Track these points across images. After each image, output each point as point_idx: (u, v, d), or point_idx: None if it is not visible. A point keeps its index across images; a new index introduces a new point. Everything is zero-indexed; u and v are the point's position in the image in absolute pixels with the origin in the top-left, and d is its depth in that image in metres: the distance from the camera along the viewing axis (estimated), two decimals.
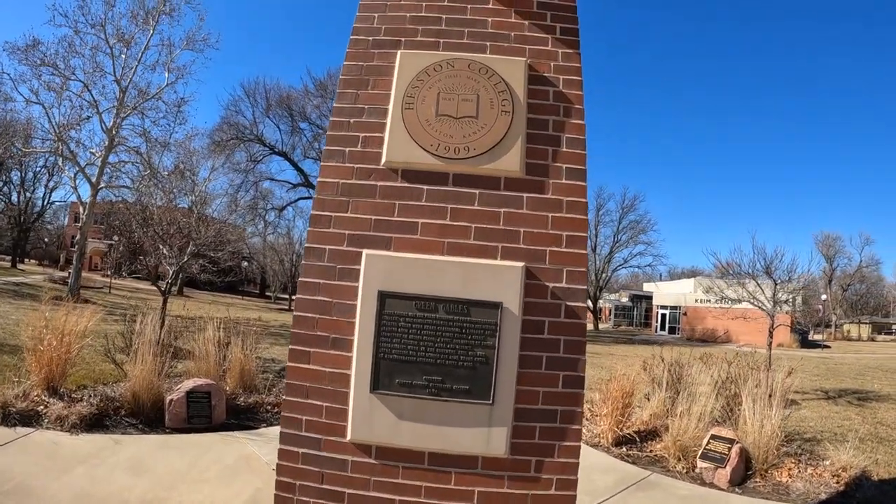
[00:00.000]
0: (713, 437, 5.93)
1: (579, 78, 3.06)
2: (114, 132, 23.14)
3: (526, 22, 3.16)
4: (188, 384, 6.27)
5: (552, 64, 3.09)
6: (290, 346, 3.01)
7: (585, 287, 2.88)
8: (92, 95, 22.26)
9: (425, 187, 2.94)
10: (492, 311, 2.77)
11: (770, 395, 5.95)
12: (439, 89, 3.00)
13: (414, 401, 2.78)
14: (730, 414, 6.81)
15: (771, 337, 12.36)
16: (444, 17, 3.18)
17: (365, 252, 2.91)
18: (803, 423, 8.70)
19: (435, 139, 2.93)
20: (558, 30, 3.15)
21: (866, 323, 47.68)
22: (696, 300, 45.51)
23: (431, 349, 2.79)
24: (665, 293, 55.09)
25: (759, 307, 13.36)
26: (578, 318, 2.86)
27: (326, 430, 2.88)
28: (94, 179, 23.96)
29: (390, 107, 3.04)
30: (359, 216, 2.98)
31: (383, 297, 2.84)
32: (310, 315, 2.97)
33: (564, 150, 2.97)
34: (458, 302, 2.79)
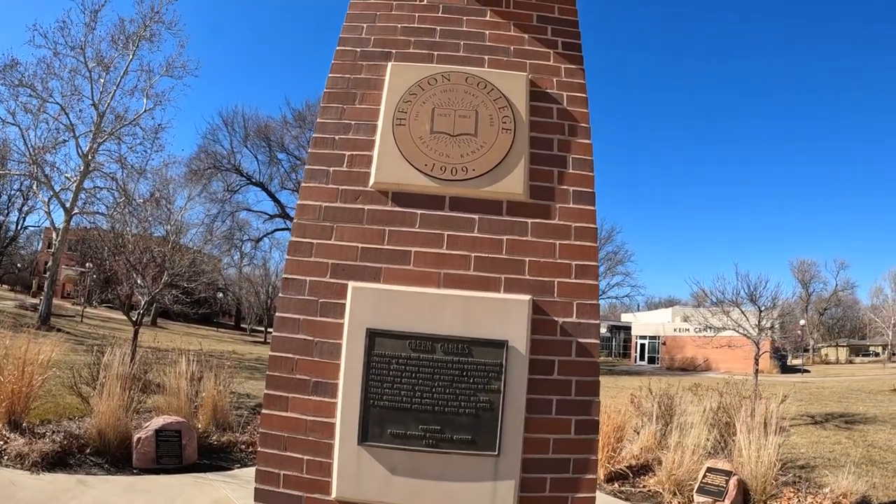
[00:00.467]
0: (709, 469, 5.66)
1: (584, 95, 2.82)
2: (90, 157, 22.49)
3: (526, 35, 2.92)
4: (158, 421, 5.81)
5: (555, 80, 2.84)
6: (265, 391, 2.62)
7: (598, 322, 2.57)
8: (69, 119, 21.68)
9: (419, 212, 2.63)
10: (496, 350, 2.44)
11: (765, 424, 5.70)
12: (434, 104, 2.71)
13: (408, 453, 2.41)
14: (724, 445, 6.55)
15: (757, 364, 12.22)
16: (438, 28, 2.92)
17: (351, 284, 2.57)
18: (795, 450, 8.48)
19: (430, 158, 2.63)
20: (560, 44, 2.91)
21: (844, 346, 47.96)
22: (675, 329, 45.56)
23: (428, 394, 2.44)
24: (643, 323, 55.21)
25: (745, 334, 13.24)
26: (591, 355, 2.54)
27: (308, 487, 2.48)
28: (68, 205, 23.15)
29: (380, 123, 2.74)
30: (344, 243, 2.64)
31: (372, 335, 2.49)
32: (288, 355, 2.60)
33: (571, 171, 2.70)
34: (458, 341, 2.45)
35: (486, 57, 2.87)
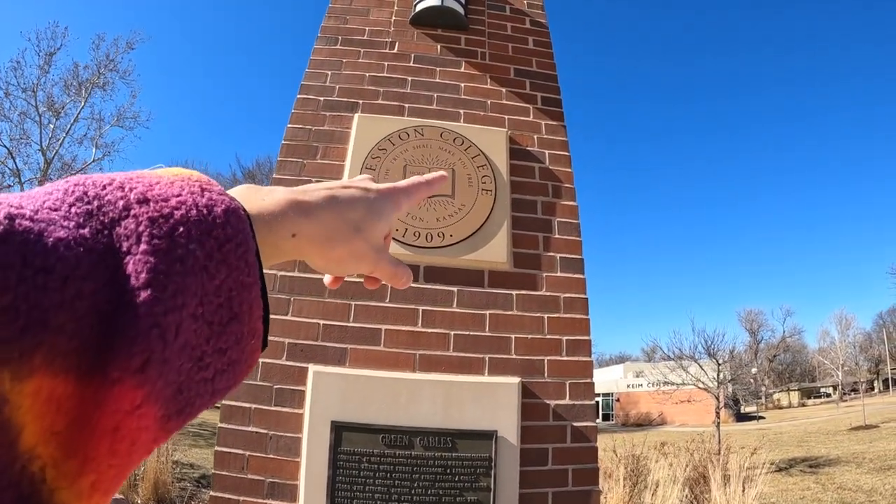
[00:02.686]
0: None
1: (567, 153, 2.54)
2: None
3: (503, 89, 2.63)
4: None
5: (535, 137, 2.55)
6: (211, 493, 2.09)
7: (593, 402, 2.22)
8: (15, 163, 19.94)
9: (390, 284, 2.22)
10: (484, 442, 2.03)
11: (744, 479, 5.46)
12: (406, 161, 2.35)
13: None
14: (697, 502, 6.23)
15: (718, 417, 12.05)
16: (409, 78, 2.59)
17: (312, 368, 2.11)
18: (765, 500, 8.14)
19: (402, 223, 2.25)
20: (539, 99, 2.64)
21: (795, 390, 47.28)
22: (628, 385, 44.65)
23: (407, 497, 1.98)
24: (596, 381, 54.05)
25: (705, 388, 13.14)
26: (588, 440, 2.17)
27: None
28: None
29: (344, 179, 2.34)
30: (303, 319, 2.19)
31: (338, 428, 2.03)
32: (237, 451, 2.09)
33: (557, 236, 2.38)
34: (439, 433, 2.02)
35: (462, 111, 2.55)
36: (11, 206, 0.23)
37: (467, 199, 2.31)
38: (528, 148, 2.51)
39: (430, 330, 2.17)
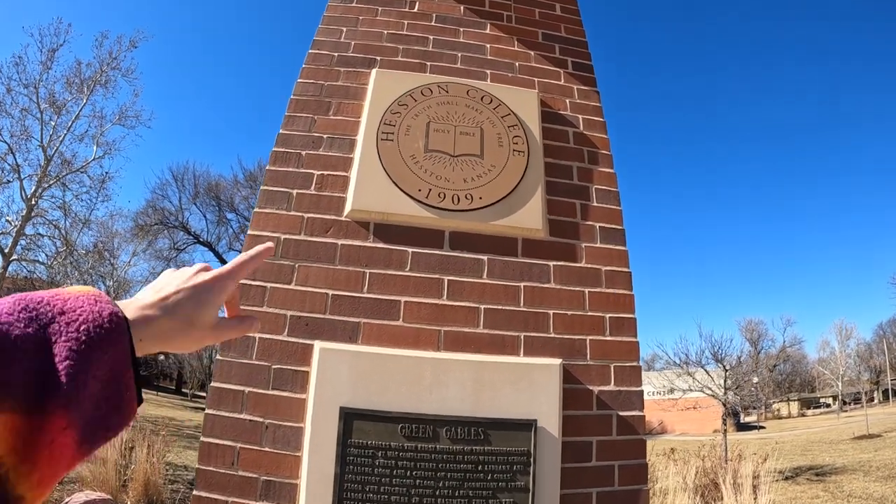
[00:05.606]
0: None
1: (602, 119, 2.18)
2: (33, 202, 19.89)
3: (532, 52, 2.29)
4: (78, 498, 4.43)
5: (568, 101, 2.19)
6: (194, 492, 1.64)
7: (641, 388, 1.81)
8: (15, 159, 19.11)
9: (410, 249, 1.81)
10: (521, 433, 1.60)
11: (754, 487, 5.02)
12: (429, 118, 1.97)
13: None
14: None
15: (725, 424, 11.46)
16: (431, 37, 2.23)
17: (318, 345, 1.68)
18: None
19: (424, 182, 1.85)
20: (570, 64, 2.30)
21: (795, 400, 46.02)
22: None
23: (430, 498, 1.54)
24: None
25: (712, 395, 12.53)
26: (635, 432, 1.76)
27: None
28: (6, 249, 20.19)
29: (360, 137, 1.95)
30: (309, 289, 1.77)
31: (349, 416, 1.59)
32: (227, 443, 1.65)
33: (595, 204, 2.00)
34: (470, 423, 1.59)
35: (489, 71, 2.19)
36: None
37: (498, 159, 1.93)
38: (561, 111, 2.16)
39: (456, 303, 1.76)
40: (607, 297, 1.86)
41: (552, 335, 1.77)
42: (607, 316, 1.84)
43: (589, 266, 1.89)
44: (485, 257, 1.83)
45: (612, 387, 1.77)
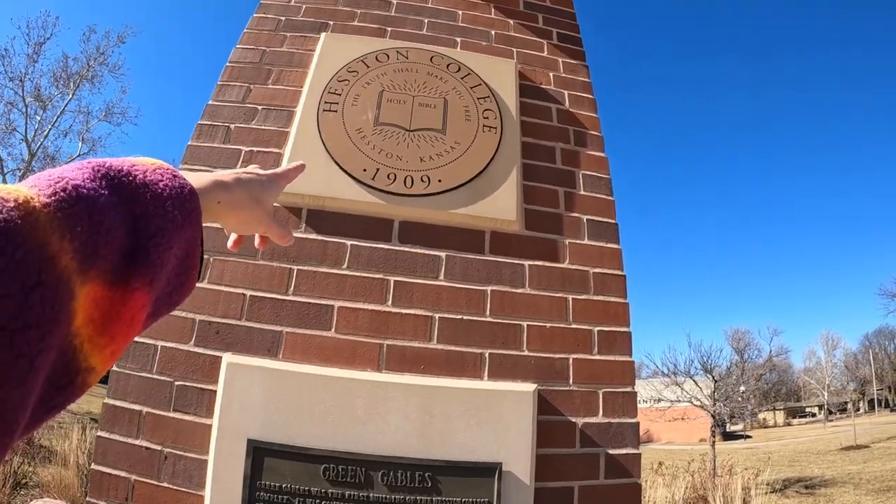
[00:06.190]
0: None
1: (591, 97, 1.82)
2: None
3: (511, 21, 1.94)
4: None
5: (552, 74, 1.84)
6: None
7: (636, 421, 1.42)
8: None
9: (349, 242, 1.44)
10: (482, 480, 1.21)
11: (745, 501, 4.59)
12: (383, 86, 1.61)
13: None
14: None
15: (714, 436, 10.95)
16: (394, 1, 1.89)
17: (227, 358, 1.30)
18: None
19: (371, 161, 1.49)
20: (555, 35, 1.95)
21: (780, 409, 44.88)
22: None
23: None
24: None
25: (700, 405, 12.06)
26: (629, 474, 1.36)
27: None
28: None
29: (299, 108, 1.60)
30: (224, 289, 1.39)
31: (259, 452, 1.21)
32: (120, 474, 1.31)
33: (583, 193, 1.63)
34: (415, 466, 1.20)
35: (459, 39, 1.84)
36: (73, 179, 0.33)
37: (463, 136, 1.56)
38: (543, 86, 1.80)
39: (404, 310, 1.38)
40: (596, 306, 1.47)
41: (525, 353, 1.38)
42: (595, 329, 1.45)
43: (574, 267, 1.51)
44: (442, 254, 1.45)
45: (599, 418, 1.38)
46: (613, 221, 1.60)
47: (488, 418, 1.26)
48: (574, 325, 1.44)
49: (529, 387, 1.31)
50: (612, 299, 1.50)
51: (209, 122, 1.61)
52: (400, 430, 1.23)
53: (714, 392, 11.82)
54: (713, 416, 11.38)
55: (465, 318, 1.39)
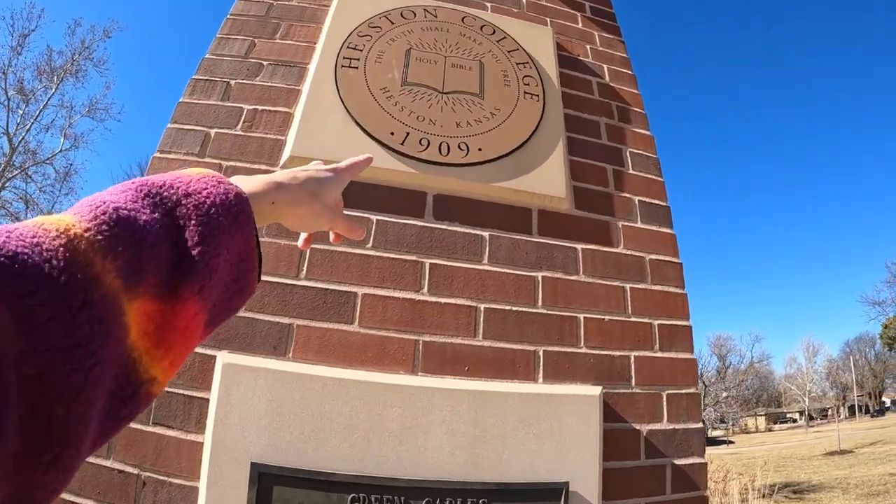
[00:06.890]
0: None
1: (632, 73, 1.65)
2: None
3: None
4: None
5: (588, 48, 1.65)
6: None
7: (700, 426, 1.21)
8: None
9: (375, 217, 1.19)
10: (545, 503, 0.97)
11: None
12: (410, 44, 1.38)
13: None
14: None
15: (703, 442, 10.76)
16: None
17: (222, 359, 1.02)
18: None
19: (400, 123, 1.25)
20: (588, 8, 1.77)
21: (762, 415, 44.66)
22: None
23: None
24: None
25: None
26: (697, 487, 1.15)
27: None
28: None
29: (313, 64, 1.34)
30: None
31: (266, 479, 0.93)
32: (84, 503, 0.97)
33: (632, 172, 1.43)
34: (464, 491, 0.95)
35: (489, 3, 1.63)
36: (114, 202, 0.33)
37: (504, 101, 1.34)
38: (581, 58, 1.61)
39: (443, 300, 1.13)
40: (654, 296, 1.27)
41: (583, 350, 1.16)
42: (655, 323, 1.24)
43: (629, 252, 1.30)
44: (485, 233, 1.21)
45: (664, 424, 1.17)
46: (665, 204, 1.41)
47: (549, 429, 1.02)
48: (634, 318, 1.23)
49: (594, 390, 1.08)
50: (671, 289, 1.30)
51: (205, 77, 1.33)
52: (445, 448, 0.98)
53: (704, 397, 11.82)
54: (703, 422, 11.35)
55: (514, 308, 1.15)
